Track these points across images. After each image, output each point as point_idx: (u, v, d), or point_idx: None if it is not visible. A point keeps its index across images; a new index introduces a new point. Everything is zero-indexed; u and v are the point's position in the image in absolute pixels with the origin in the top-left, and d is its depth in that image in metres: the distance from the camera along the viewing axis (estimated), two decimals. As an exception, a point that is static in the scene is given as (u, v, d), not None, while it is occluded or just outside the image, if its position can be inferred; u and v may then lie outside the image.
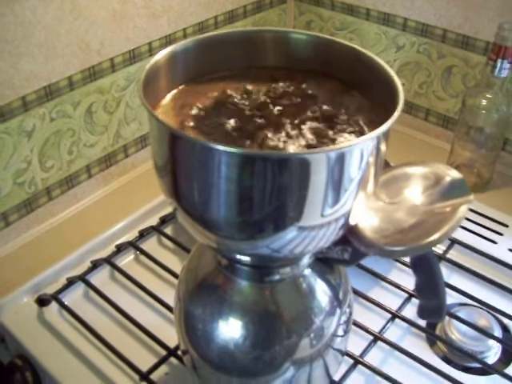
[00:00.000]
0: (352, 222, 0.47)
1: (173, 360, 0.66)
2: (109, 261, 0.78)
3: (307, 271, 0.54)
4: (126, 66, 0.87)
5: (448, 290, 0.73)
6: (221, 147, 0.37)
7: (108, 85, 0.85)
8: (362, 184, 0.43)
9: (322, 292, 0.55)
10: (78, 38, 0.79)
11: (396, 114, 0.41)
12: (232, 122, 0.45)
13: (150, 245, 0.82)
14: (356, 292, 0.72)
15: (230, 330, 0.53)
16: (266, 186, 0.39)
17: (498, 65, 0.81)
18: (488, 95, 0.85)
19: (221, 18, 0.99)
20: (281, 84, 0.51)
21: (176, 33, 0.92)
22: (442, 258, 0.79)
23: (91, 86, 0.83)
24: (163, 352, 0.66)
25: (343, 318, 0.57)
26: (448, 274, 0.78)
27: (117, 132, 0.90)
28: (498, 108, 0.86)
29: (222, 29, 1.00)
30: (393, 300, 0.73)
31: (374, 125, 0.47)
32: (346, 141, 0.44)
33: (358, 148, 0.40)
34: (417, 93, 1.04)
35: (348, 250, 0.52)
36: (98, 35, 0.81)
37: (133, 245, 0.81)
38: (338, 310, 0.56)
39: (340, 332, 0.57)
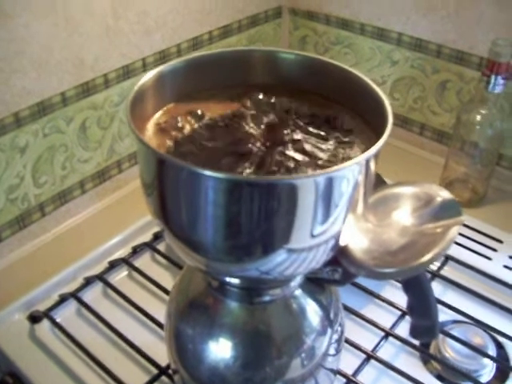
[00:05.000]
0: (342, 243, 0.46)
1: (164, 379, 0.65)
2: (101, 277, 0.78)
3: (298, 292, 0.53)
4: (120, 82, 0.87)
5: (442, 308, 0.73)
6: (208, 172, 0.37)
7: (101, 100, 0.85)
8: (351, 205, 0.43)
9: (312, 312, 0.54)
10: (72, 54, 0.79)
11: (384, 137, 0.40)
12: (223, 143, 0.45)
13: (143, 261, 0.82)
14: (349, 309, 0.72)
15: (220, 350, 0.52)
16: (253, 211, 0.39)
17: (492, 80, 0.81)
18: (482, 111, 0.85)
19: (215, 33, 0.99)
20: (269, 100, 0.51)
21: (170, 48, 0.92)
22: (435, 274, 0.78)
23: (84, 102, 0.83)
24: (154, 371, 0.66)
25: (335, 337, 0.56)
26: (442, 291, 0.77)
27: (110, 147, 0.90)
28: (492, 123, 0.86)
29: (217, 44, 1.00)
30: (386, 317, 0.73)
31: (364, 144, 0.47)
32: (335, 163, 0.44)
33: (347, 171, 0.39)
34: (411, 107, 1.04)
35: (338, 270, 0.51)
36: (91, 51, 0.81)
37: (126, 261, 0.80)
38: (329, 330, 0.55)
39: (332, 351, 0.56)
